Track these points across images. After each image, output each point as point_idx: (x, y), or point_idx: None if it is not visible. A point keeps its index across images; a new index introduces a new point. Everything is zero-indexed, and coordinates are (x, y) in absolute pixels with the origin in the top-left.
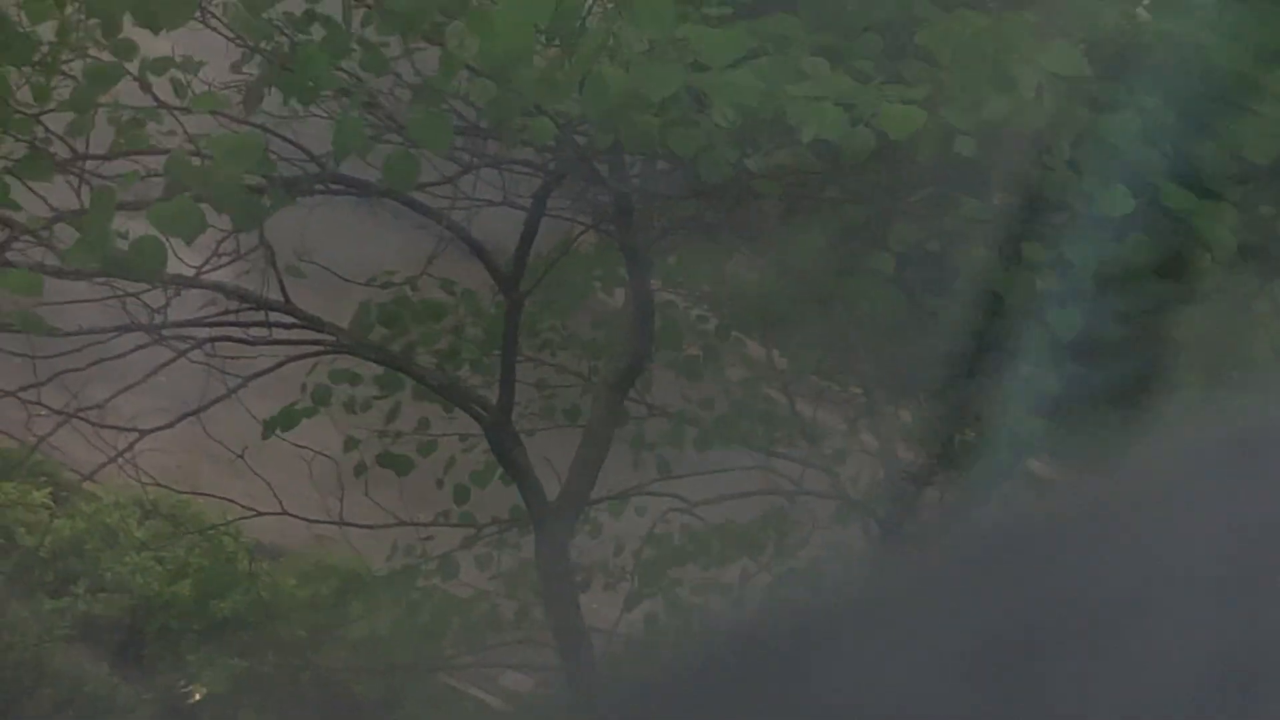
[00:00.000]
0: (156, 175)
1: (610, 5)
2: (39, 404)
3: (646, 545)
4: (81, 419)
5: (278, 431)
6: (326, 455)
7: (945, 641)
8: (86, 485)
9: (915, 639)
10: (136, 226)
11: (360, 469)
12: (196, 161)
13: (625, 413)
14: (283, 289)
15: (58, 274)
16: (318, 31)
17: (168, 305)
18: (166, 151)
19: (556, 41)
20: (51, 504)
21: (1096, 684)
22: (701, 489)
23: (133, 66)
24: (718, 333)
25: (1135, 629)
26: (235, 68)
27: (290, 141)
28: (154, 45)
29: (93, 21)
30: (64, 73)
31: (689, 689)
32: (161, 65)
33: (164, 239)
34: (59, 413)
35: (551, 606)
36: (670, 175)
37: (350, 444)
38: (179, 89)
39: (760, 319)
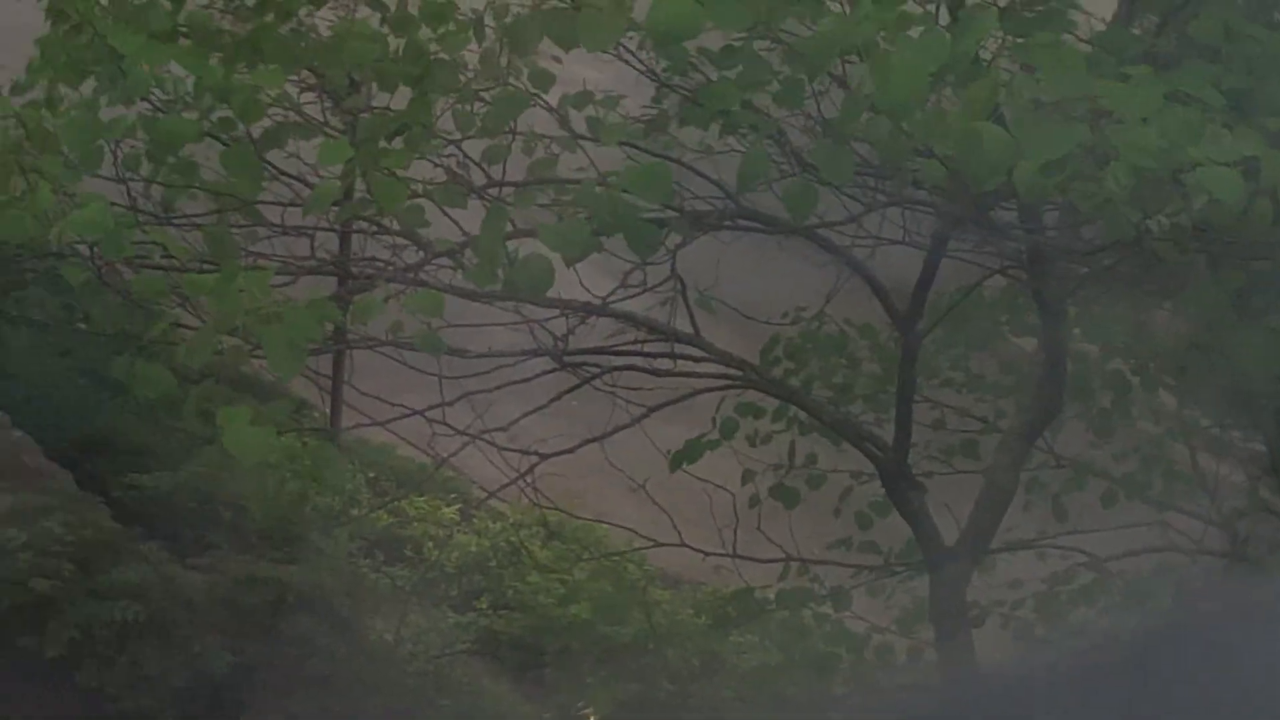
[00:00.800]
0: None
1: (1010, 50)
2: (444, 423)
3: (1047, 588)
4: (486, 440)
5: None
6: (725, 489)
7: None
8: (493, 503)
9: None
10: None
11: (754, 501)
12: (601, 190)
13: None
14: (693, 321)
15: (464, 295)
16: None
17: (572, 332)
18: (577, 182)
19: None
20: (459, 519)
21: None
22: (1096, 539)
23: (550, 98)
24: (1122, 386)
25: None
26: (665, 113)
27: (705, 176)
28: (568, 75)
29: (512, 52)
30: (483, 99)
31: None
32: (582, 99)
33: (574, 268)
34: (463, 433)
35: (944, 651)
36: (1083, 227)
37: (748, 476)
38: (593, 124)
39: (1172, 372)
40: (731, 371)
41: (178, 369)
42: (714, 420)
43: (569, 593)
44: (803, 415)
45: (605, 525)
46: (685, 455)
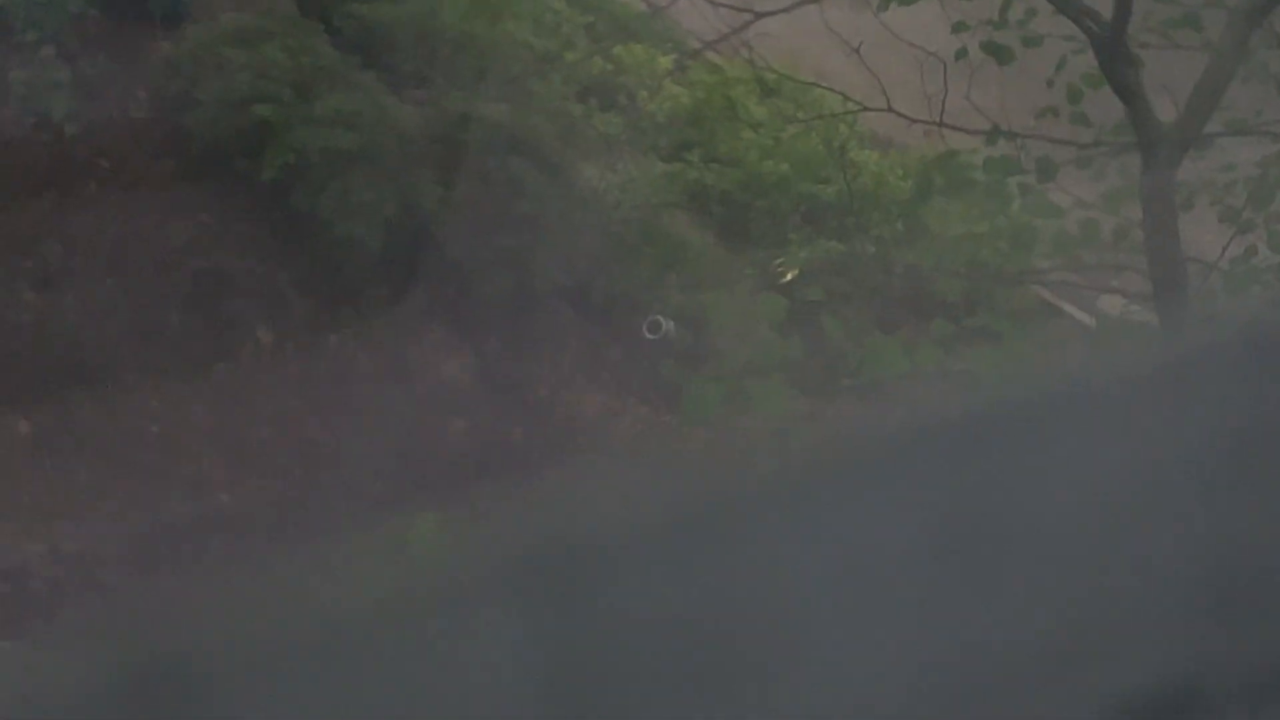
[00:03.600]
0: None
1: None
2: None
3: (1261, 172)
4: None
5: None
6: (938, 57)
7: None
8: (711, 58)
9: None
10: None
11: (961, 54)
12: None
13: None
14: None
15: None
16: None
17: None
18: None
19: None
20: (672, 69)
21: None
22: None
23: None
24: None
25: None
26: None
27: None
28: None
29: None
30: None
31: None
32: None
33: None
34: None
35: (1151, 234)
36: None
37: (959, 27)
38: None
39: None
40: None
41: None
42: None
43: (773, 147)
44: None
45: (821, 88)
46: None
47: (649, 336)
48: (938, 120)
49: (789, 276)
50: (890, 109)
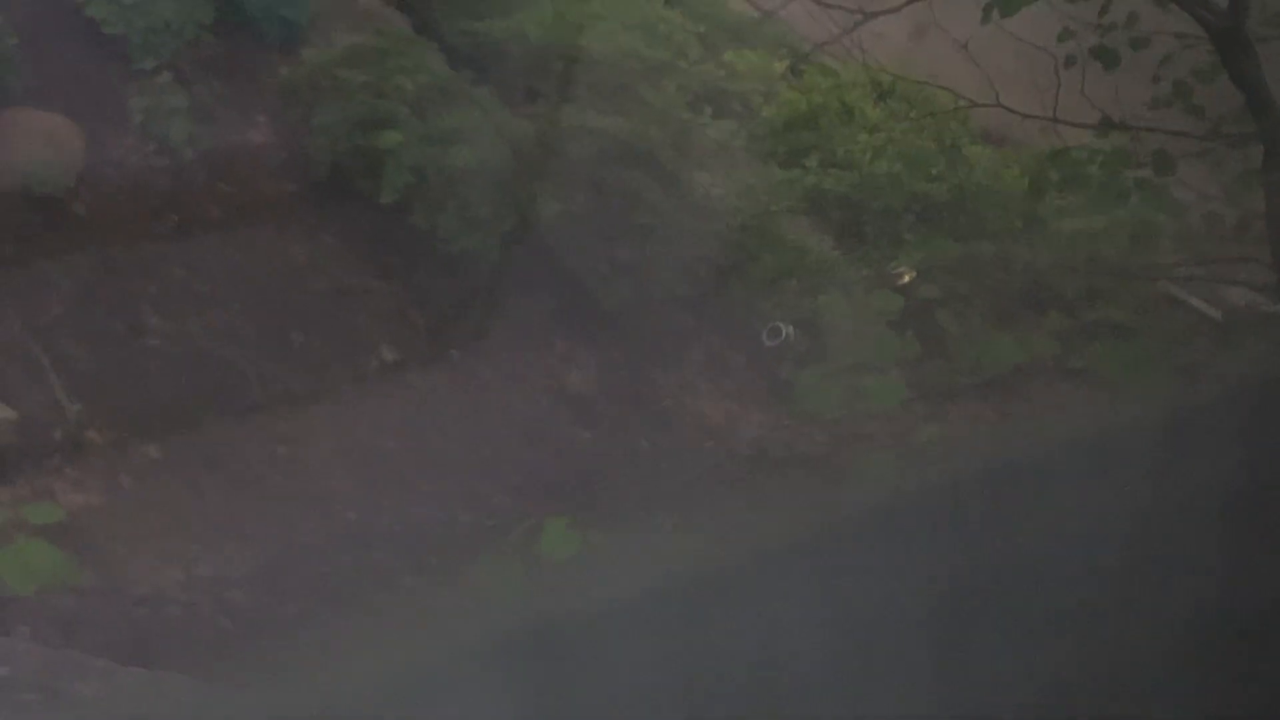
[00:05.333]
0: None
1: None
2: None
3: None
4: None
5: (996, 18)
6: (1047, 51)
7: None
8: (826, 62)
9: None
10: None
11: (1071, 59)
12: None
13: None
14: None
15: None
16: None
17: None
18: None
19: None
20: (787, 74)
21: None
22: None
23: None
24: None
25: None
26: None
27: None
28: None
29: None
30: None
31: None
32: None
33: None
34: None
35: (1273, 224)
36: None
37: (1065, 35)
38: None
39: None
40: None
41: None
42: None
43: (884, 146)
44: None
45: (933, 86)
46: (1000, 6)
47: (769, 344)
48: (1050, 115)
49: (907, 279)
50: (999, 104)
